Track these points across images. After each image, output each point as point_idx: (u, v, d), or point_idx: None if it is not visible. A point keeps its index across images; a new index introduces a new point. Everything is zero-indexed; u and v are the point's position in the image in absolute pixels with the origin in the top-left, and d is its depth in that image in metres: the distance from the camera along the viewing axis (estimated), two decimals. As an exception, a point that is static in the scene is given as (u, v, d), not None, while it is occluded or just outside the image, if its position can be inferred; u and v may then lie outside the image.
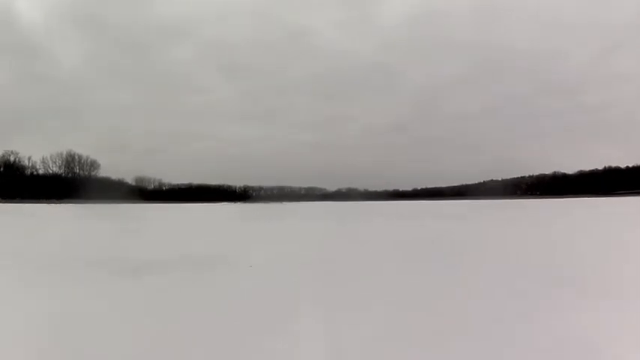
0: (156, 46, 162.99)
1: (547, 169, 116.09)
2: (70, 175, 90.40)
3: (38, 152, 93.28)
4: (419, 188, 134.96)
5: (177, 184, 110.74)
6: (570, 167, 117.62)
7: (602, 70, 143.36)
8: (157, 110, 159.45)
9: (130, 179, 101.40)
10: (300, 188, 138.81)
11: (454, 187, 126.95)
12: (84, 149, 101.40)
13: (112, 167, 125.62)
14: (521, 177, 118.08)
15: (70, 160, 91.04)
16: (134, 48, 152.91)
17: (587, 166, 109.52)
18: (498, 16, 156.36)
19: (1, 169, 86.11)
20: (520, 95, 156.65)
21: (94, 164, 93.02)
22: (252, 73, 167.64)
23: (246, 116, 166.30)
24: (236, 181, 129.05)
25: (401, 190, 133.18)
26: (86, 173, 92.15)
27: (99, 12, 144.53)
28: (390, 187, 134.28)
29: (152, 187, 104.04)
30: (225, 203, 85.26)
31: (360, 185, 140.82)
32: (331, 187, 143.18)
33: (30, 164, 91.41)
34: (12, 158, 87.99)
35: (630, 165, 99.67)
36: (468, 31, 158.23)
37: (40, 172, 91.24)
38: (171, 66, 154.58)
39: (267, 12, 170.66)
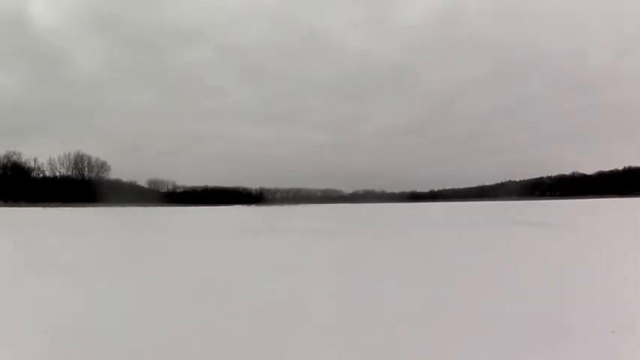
0: (172, 49, 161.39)
1: (566, 170, 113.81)
2: (78, 177, 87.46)
3: (53, 154, 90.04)
4: (436, 190, 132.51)
5: (193, 187, 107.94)
6: (589, 167, 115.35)
7: (620, 70, 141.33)
8: (173, 112, 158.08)
9: (143, 182, 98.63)
10: (317, 190, 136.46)
11: (472, 188, 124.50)
12: (99, 152, 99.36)
13: (127, 170, 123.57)
14: (540, 177, 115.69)
15: (79, 161, 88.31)
16: (150, 50, 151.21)
17: (607, 166, 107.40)
18: (516, 17, 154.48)
19: (1, 171, 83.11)
20: (538, 95, 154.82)
21: (103, 166, 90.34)
22: (268, 75, 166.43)
23: (262, 118, 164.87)
24: (252, 183, 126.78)
25: (419, 191, 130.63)
26: (95, 175, 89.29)
27: (115, 14, 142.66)
28: (408, 189, 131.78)
29: (166, 189, 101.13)
30: (240, 206, 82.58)
31: (377, 187, 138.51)
32: (348, 189, 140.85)
33: (36, 166, 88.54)
34: (15, 159, 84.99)
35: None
36: (485, 31, 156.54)
37: (47, 174, 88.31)
38: (187, 68, 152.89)
39: (283, 14, 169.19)
